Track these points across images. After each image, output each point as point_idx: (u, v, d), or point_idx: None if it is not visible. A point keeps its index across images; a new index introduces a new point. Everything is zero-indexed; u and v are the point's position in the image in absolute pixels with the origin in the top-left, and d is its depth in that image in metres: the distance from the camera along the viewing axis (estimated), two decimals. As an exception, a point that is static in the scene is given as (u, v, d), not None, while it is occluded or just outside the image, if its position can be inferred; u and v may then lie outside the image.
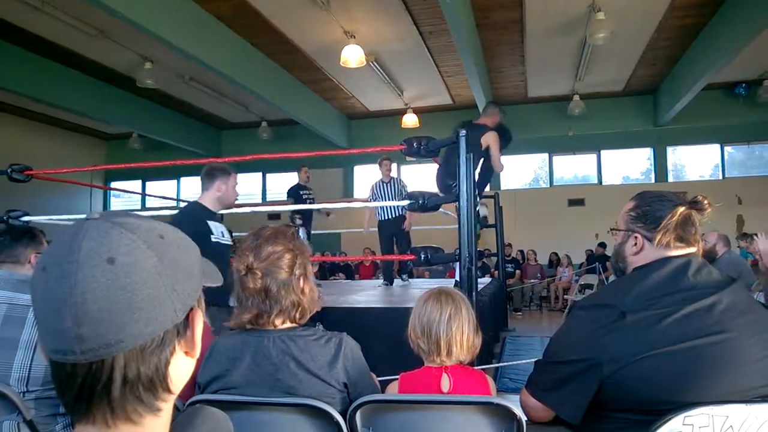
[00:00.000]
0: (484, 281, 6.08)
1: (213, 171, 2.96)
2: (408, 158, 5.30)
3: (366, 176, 11.47)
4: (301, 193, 6.37)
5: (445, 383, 1.40)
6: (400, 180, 5.84)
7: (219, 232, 2.85)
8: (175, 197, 11.92)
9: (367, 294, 5.09)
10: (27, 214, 4.15)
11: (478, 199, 4.97)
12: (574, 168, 11.61)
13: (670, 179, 10.90)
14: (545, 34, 7.27)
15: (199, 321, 0.58)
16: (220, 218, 3.07)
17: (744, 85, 9.31)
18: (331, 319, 3.29)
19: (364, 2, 6.32)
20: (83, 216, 0.56)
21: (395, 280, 5.96)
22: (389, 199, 5.49)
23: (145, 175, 12.98)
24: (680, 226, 1.25)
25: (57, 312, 0.48)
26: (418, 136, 3.26)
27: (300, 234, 3.93)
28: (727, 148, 10.85)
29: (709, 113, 9.81)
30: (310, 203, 6.27)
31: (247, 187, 12.23)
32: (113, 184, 13.08)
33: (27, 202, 5.55)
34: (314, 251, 7.23)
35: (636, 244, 1.30)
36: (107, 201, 13.40)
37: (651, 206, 1.30)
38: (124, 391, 0.51)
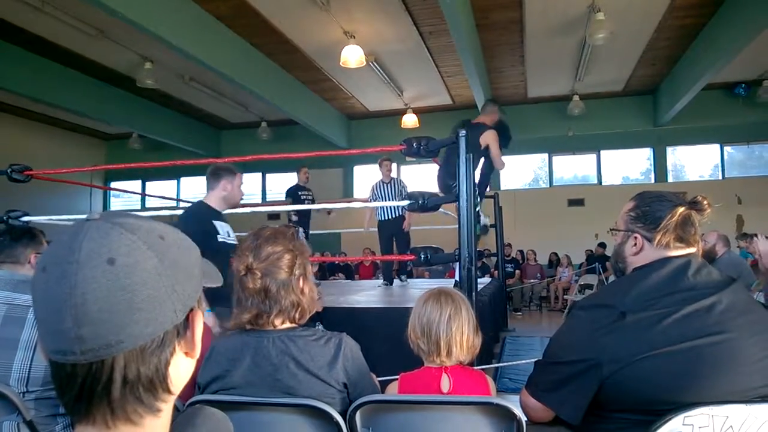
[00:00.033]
0: (483, 281, 6.08)
1: (218, 170, 2.95)
2: (408, 158, 5.29)
3: (366, 176, 11.46)
4: (300, 193, 6.35)
5: (445, 383, 1.40)
6: (400, 180, 5.83)
7: (225, 232, 2.84)
8: (175, 197, 11.92)
9: (366, 294, 5.08)
10: (27, 215, 4.13)
11: (479, 198, 4.95)
12: (573, 168, 11.60)
13: (670, 179, 10.88)
14: (545, 35, 7.26)
15: (199, 322, 0.58)
16: (226, 218, 3.06)
17: (744, 85, 9.31)
18: (331, 319, 3.30)
19: (364, 2, 6.32)
20: (83, 216, 0.56)
21: (394, 280, 5.96)
22: (389, 200, 5.49)
23: (145, 175, 12.97)
24: (680, 226, 1.25)
25: (57, 312, 0.48)
26: (417, 136, 3.24)
27: (299, 234, 3.92)
28: (727, 149, 10.84)
29: (709, 113, 9.81)
30: (308, 204, 6.27)
31: (247, 187, 12.15)
32: (113, 184, 13.07)
33: (27, 203, 5.54)
34: (313, 251, 7.22)
35: (636, 244, 1.30)
36: (107, 201, 13.38)
37: (651, 206, 1.30)
38: (124, 392, 0.51)
